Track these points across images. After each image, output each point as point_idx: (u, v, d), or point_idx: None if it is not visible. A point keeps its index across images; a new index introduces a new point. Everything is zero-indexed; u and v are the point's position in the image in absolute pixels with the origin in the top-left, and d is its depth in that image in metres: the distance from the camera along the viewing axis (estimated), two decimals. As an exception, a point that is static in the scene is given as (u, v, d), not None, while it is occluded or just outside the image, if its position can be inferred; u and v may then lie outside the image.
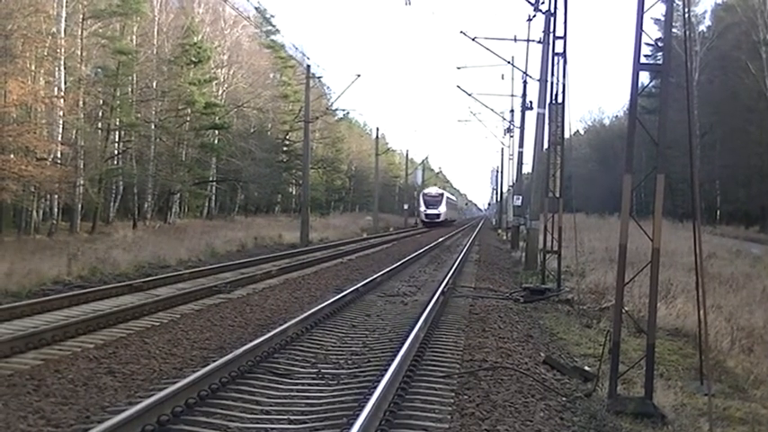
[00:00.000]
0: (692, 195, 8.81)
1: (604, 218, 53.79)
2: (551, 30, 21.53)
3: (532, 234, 23.64)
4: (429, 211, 72.07)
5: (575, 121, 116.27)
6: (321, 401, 7.26)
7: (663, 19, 8.93)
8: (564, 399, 7.71)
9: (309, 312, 11.71)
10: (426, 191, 76.54)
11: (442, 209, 72.86)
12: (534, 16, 26.95)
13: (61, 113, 31.02)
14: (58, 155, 31.14)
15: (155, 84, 42.31)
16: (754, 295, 16.21)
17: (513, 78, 45.28)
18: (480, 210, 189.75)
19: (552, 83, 20.77)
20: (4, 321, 10.94)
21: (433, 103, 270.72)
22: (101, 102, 37.12)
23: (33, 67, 30.25)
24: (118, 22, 38.37)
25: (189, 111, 44.50)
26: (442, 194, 74.92)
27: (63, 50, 31.54)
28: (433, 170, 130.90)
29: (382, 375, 7.49)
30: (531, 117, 33.28)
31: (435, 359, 9.15)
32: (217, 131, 48.62)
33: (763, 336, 12.15)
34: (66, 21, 32.43)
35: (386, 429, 6.36)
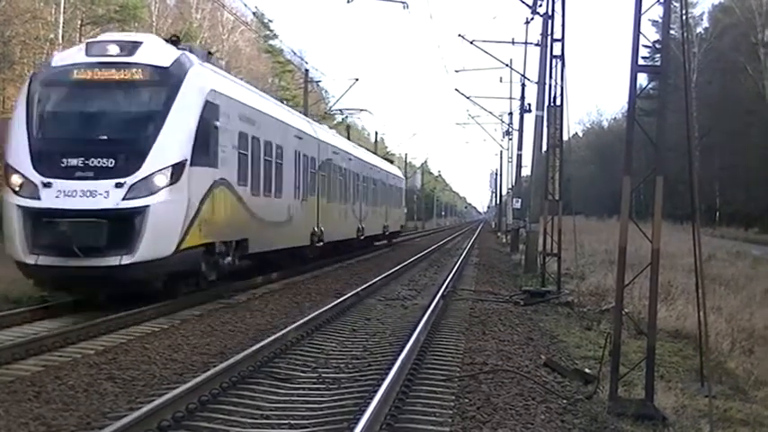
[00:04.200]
0: (691, 197, 8.82)
1: (604, 220, 53.80)
2: (549, 32, 21.57)
3: (532, 237, 23.64)
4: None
5: (573, 124, 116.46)
6: (322, 406, 7.25)
7: (660, 21, 8.95)
8: (565, 401, 7.70)
9: (310, 317, 11.69)
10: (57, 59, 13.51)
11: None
12: (532, 19, 27.01)
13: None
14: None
15: (154, 89, 42.25)
16: (755, 296, 16.22)
17: (511, 81, 44.84)
18: (480, 213, 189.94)
19: (550, 85, 20.82)
20: (5, 328, 10.93)
21: (432, 106, 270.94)
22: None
23: (32, 74, 30.28)
24: (116, 28, 38.39)
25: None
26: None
27: (61, 57, 31.54)
28: (432, 173, 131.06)
29: (383, 379, 7.48)
30: (529, 120, 33.34)
31: (436, 362, 9.14)
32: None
33: (764, 337, 12.16)
34: (64, 27, 32.46)
35: (387, 433, 6.35)
